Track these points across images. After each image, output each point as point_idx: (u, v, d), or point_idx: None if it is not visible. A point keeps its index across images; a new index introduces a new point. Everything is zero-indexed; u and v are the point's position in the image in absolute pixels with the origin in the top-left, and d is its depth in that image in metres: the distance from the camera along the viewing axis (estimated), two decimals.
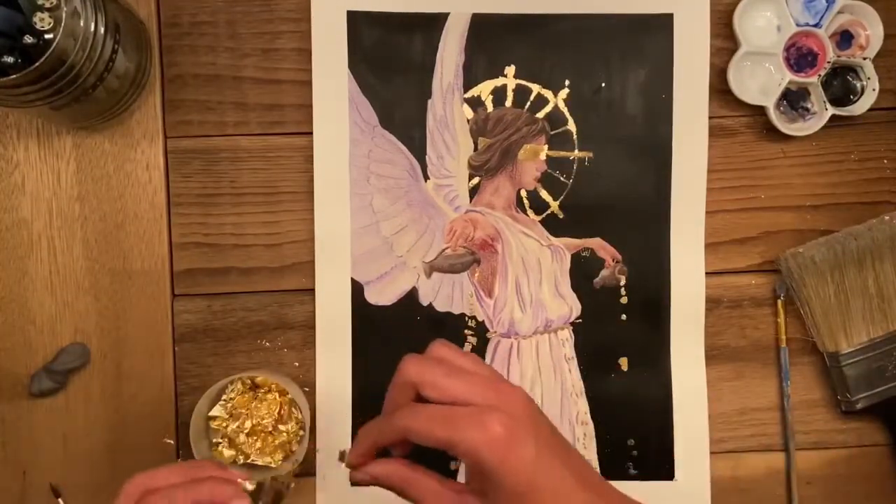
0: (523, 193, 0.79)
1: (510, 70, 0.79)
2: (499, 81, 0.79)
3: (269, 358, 0.80)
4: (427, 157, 0.79)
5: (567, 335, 0.80)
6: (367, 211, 0.79)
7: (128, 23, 0.72)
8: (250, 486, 0.59)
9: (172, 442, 0.79)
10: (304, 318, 0.80)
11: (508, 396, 0.53)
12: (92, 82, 0.68)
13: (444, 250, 0.79)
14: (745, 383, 0.81)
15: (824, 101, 0.78)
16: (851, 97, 0.80)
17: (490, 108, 0.79)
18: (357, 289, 0.79)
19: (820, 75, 0.79)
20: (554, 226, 0.79)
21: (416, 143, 0.79)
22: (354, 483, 0.57)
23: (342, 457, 0.58)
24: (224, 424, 0.76)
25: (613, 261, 0.80)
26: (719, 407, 0.81)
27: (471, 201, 0.79)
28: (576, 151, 0.79)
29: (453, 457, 0.52)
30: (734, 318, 0.81)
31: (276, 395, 0.76)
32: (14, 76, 0.62)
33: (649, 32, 0.79)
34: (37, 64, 0.62)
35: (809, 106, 0.80)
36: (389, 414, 0.56)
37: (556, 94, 0.79)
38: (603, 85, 0.79)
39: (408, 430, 0.54)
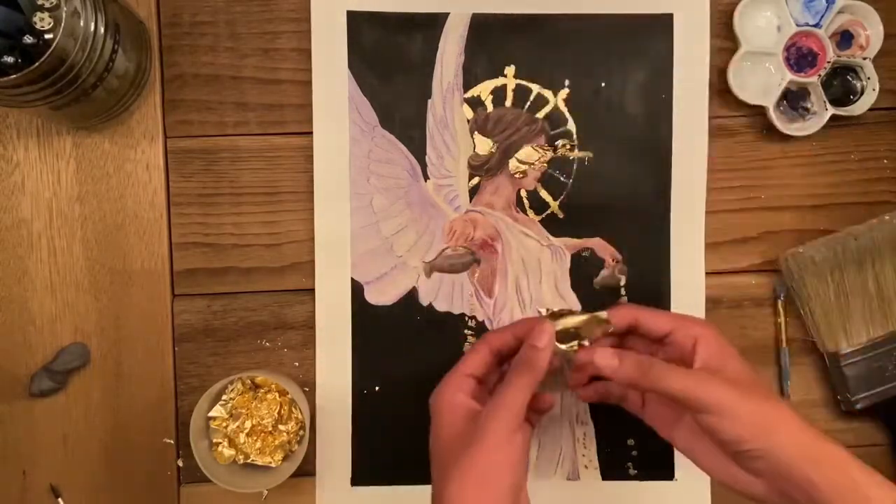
0: (523, 193, 0.79)
1: (510, 70, 0.79)
2: (498, 81, 0.79)
3: (269, 358, 0.80)
4: (427, 157, 0.79)
5: None
6: (367, 211, 0.79)
7: (128, 23, 0.72)
8: (545, 312, 0.67)
9: (172, 442, 0.79)
10: (304, 318, 0.80)
11: None
12: (92, 82, 0.68)
13: (444, 250, 0.79)
14: None
15: (824, 101, 0.78)
16: (851, 97, 0.80)
17: (490, 108, 0.79)
18: (357, 289, 0.79)
19: (820, 75, 0.79)
20: (554, 226, 0.79)
21: (415, 143, 0.79)
22: (602, 369, 0.67)
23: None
24: (224, 424, 0.76)
25: (613, 260, 0.80)
26: None
27: (471, 201, 0.79)
28: (576, 151, 0.79)
29: None
30: (734, 318, 0.81)
31: (276, 395, 0.76)
32: (14, 76, 0.62)
33: (649, 32, 0.79)
34: (37, 64, 0.62)
35: (809, 106, 0.80)
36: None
37: (555, 94, 0.79)
38: (603, 85, 0.79)
39: (640, 311, 0.68)
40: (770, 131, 0.80)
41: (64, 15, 0.63)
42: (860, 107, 0.79)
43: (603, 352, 0.66)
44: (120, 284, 0.78)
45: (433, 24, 0.78)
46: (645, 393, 0.71)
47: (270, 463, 0.76)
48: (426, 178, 0.79)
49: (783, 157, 0.81)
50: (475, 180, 0.79)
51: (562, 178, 0.79)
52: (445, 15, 0.78)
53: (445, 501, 0.61)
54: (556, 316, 0.67)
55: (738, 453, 0.62)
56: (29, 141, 0.77)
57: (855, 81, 0.80)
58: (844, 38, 0.80)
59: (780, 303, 0.81)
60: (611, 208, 0.79)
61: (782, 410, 0.62)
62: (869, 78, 0.79)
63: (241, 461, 0.76)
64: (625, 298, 0.80)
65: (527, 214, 0.79)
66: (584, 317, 0.66)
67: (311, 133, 0.78)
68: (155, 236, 0.78)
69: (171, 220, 0.79)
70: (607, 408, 0.79)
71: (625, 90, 0.79)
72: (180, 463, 0.79)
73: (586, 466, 0.80)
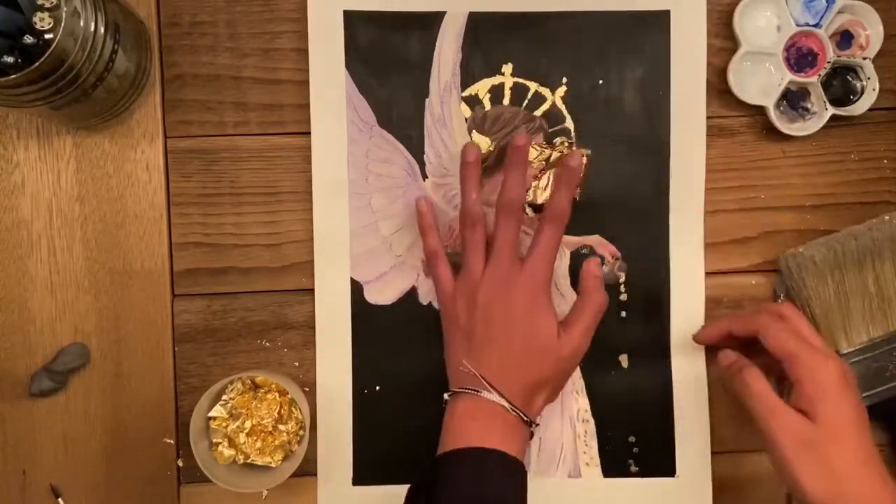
0: None
1: (507, 68, 0.79)
2: (496, 79, 0.79)
3: (269, 358, 0.80)
4: (425, 156, 0.79)
5: None
6: (366, 210, 0.79)
7: (128, 23, 0.72)
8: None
9: (172, 442, 0.79)
10: (304, 318, 0.80)
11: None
12: (92, 82, 0.68)
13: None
14: None
15: (824, 101, 0.78)
16: (851, 97, 0.80)
17: (488, 106, 0.79)
18: (357, 288, 0.79)
19: (820, 75, 0.79)
20: None
21: (414, 142, 0.79)
22: (699, 339, 0.79)
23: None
24: (224, 424, 0.76)
25: (612, 258, 0.80)
26: (719, 407, 0.81)
27: None
28: (574, 149, 0.79)
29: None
30: None
31: (276, 395, 0.76)
32: (14, 76, 0.62)
33: (646, 29, 0.79)
34: (37, 64, 0.62)
35: (809, 106, 0.80)
36: (750, 314, 0.76)
37: (553, 92, 0.79)
38: (600, 82, 0.79)
39: (766, 329, 0.72)
40: (770, 131, 0.80)
41: (64, 15, 0.63)
42: (860, 107, 0.79)
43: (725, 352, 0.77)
44: (120, 284, 0.78)
45: (430, 22, 0.78)
46: None
47: (270, 463, 0.76)
48: (424, 177, 0.79)
49: (783, 157, 0.81)
50: None
51: None
52: (442, 14, 0.78)
53: None
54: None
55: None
56: (29, 141, 0.77)
57: (855, 81, 0.80)
58: (844, 38, 0.80)
59: (779, 303, 0.80)
60: (609, 205, 0.79)
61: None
62: (869, 78, 0.79)
63: (241, 461, 0.76)
64: (624, 296, 0.80)
65: (526, 212, 0.79)
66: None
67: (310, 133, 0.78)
68: (155, 236, 0.78)
69: (171, 220, 0.79)
70: (608, 405, 0.80)
71: (622, 87, 0.79)
72: (180, 463, 0.79)
73: (587, 464, 0.80)
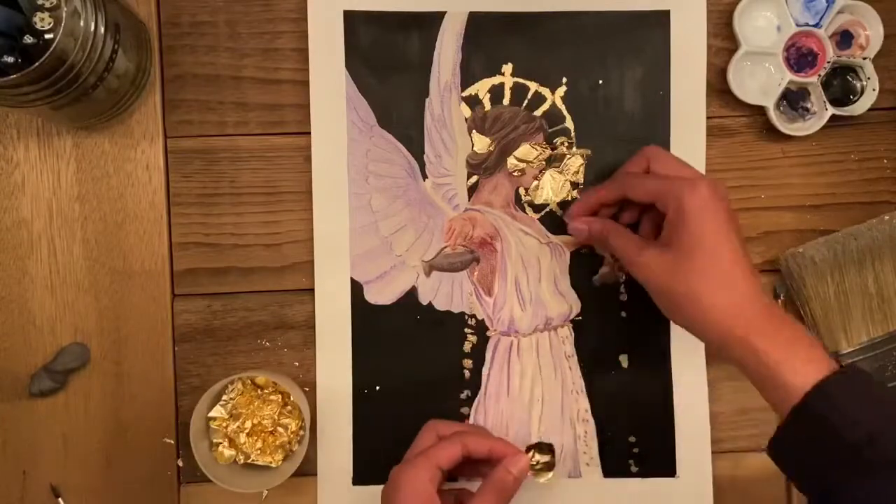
0: (521, 191, 0.79)
1: (507, 68, 0.79)
2: (496, 80, 0.79)
3: (269, 358, 0.80)
4: (425, 156, 0.79)
5: (567, 333, 0.80)
6: (366, 210, 0.79)
7: (128, 23, 0.72)
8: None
9: (172, 442, 0.79)
10: (304, 318, 0.80)
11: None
12: (92, 82, 0.68)
13: (443, 249, 0.79)
14: (745, 383, 0.79)
15: (824, 101, 0.78)
16: (851, 97, 0.80)
17: (487, 106, 0.79)
18: (357, 288, 0.79)
19: (820, 75, 0.79)
20: (553, 223, 0.79)
21: (413, 142, 0.79)
22: (572, 232, 0.77)
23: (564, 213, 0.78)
24: (224, 424, 0.76)
25: (613, 258, 0.80)
26: (719, 407, 0.81)
27: (469, 200, 0.79)
28: (574, 149, 0.79)
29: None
30: None
31: (277, 395, 0.76)
32: (14, 76, 0.62)
33: (646, 29, 0.79)
34: (37, 64, 0.62)
35: (809, 106, 0.80)
36: (616, 177, 0.75)
37: (553, 92, 0.79)
38: (600, 82, 0.79)
39: (631, 185, 0.71)
40: (770, 131, 0.80)
41: (64, 15, 0.63)
42: (860, 107, 0.79)
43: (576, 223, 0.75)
44: (120, 284, 0.78)
45: (430, 23, 0.78)
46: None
47: (271, 463, 0.76)
48: (424, 177, 0.79)
49: (783, 157, 0.81)
50: (473, 179, 0.79)
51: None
52: (442, 14, 0.78)
53: None
54: (530, 448, 0.76)
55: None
56: (29, 141, 0.77)
57: (855, 81, 0.80)
58: (844, 38, 0.80)
59: (780, 303, 0.81)
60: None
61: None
62: (869, 78, 0.79)
63: (242, 461, 0.76)
64: (624, 296, 0.80)
65: (525, 212, 0.79)
66: (550, 458, 0.76)
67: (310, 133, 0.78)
68: (155, 236, 0.78)
69: (171, 220, 0.79)
70: (608, 405, 0.80)
71: (622, 87, 0.79)
72: (180, 463, 0.79)
73: (588, 464, 0.80)
